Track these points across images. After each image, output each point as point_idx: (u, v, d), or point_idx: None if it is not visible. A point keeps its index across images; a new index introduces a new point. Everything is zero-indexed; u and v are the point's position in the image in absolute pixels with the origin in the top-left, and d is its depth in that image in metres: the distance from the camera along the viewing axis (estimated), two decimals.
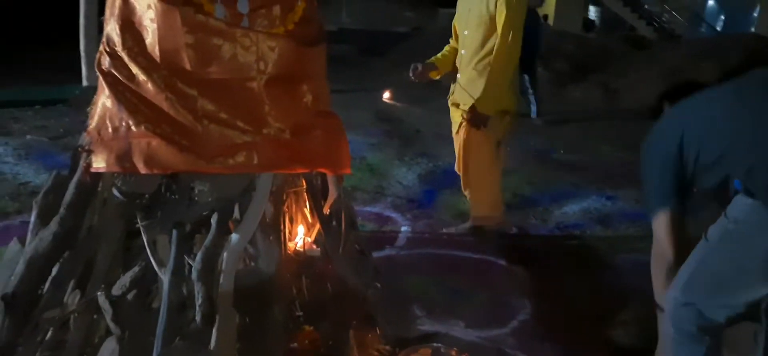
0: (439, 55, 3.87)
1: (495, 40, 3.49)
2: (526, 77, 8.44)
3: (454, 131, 3.87)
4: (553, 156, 6.71)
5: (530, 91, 8.66)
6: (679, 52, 11.27)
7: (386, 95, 4.05)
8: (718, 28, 20.88)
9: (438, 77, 3.85)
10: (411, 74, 3.72)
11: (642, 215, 4.35)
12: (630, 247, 4.00)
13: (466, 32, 3.65)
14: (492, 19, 3.49)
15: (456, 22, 3.84)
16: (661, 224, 2.16)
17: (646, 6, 19.86)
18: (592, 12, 21.19)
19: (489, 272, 3.60)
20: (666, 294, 2.18)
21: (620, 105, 9.93)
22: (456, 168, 4.00)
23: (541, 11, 9.00)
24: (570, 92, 10.87)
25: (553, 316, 3.07)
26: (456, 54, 3.82)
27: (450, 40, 3.91)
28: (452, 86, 3.85)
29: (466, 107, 3.64)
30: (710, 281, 2.05)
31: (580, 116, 9.23)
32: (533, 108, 8.72)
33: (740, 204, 2.01)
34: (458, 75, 3.76)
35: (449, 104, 3.87)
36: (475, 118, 3.60)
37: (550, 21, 21.32)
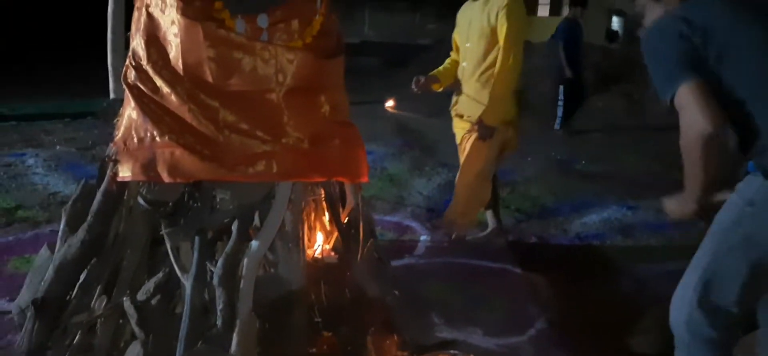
0: (440, 68, 3.90)
1: (497, 53, 3.51)
2: (561, 88, 8.44)
3: (458, 141, 3.89)
4: (575, 166, 6.69)
5: (560, 101, 8.62)
6: None
7: (389, 104, 4.04)
8: None
9: (440, 89, 3.87)
10: (413, 86, 3.74)
11: (664, 226, 4.33)
12: (651, 257, 3.98)
13: (467, 44, 3.66)
14: (493, 32, 3.51)
15: (456, 35, 3.86)
16: (686, 95, 1.84)
17: None
18: (616, 23, 21.04)
19: (508, 280, 3.61)
20: (676, 297, 2.05)
21: (643, 116, 9.85)
22: None
23: (558, 23, 8.99)
24: (593, 102, 10.81)
25: (571, 324, 3.07)
26: (457, 66, 3.84)
27: (451, 53, 3.94)
28: (455, 98, 3.87)
29: (472, 119, 3.66)
30: (731, 271, 1.91)
31: (603, 126, 9.18)
32: (558, 120, 8.69)
33: (756, 184, 1.85)
34: (462, 87, 3.77)
35: (453, 115, 3.88)
36: (483, 130, 3.62)
37: None
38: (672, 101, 1.89)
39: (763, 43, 1.91)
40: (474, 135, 3.67)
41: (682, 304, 2.02)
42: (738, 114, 1.86)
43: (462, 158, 3.83)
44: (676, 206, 2.07)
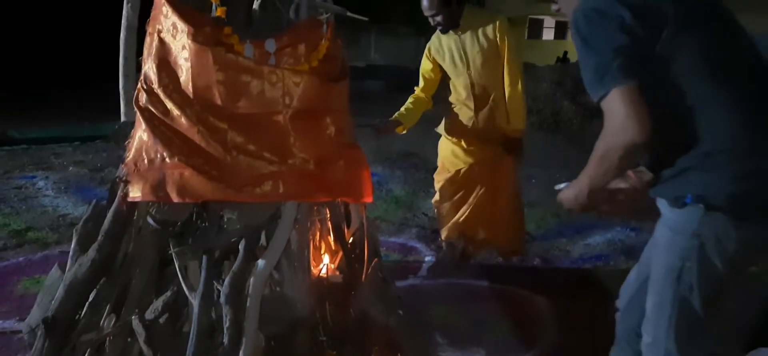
0: (402, 110, 3.73)
1: (504, 67, 3.56)
2: None
3: (461, 167, 3.82)
4: None
5: None
6: None
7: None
8: None
9: (403, 132, 3.76)
10: (374, 131, 3.64)
11: None
12: None
13: (470, 72, 3.62)
14: (495, 48, 3.54)
15: (431, 70, 3.78)
16: (619, 99, 1.65)
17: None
18: None
19: (512, 302, 3.63)
20: (647, 341, 1.89)
21: None
22: (442, 203, 3.97)
23: (564, 47, 9.08)
24: (597, 125, 10.81)
25: (574, 346, 3.08)
26: (424, 104, 3.78)
27: (415, 88, 3.84)
28: (448, 125, 3.85)
29: (499, 138, 3.68)
30: (699, 314, 1.76)
31: None
32: None
33: (698, 216, 1.71)
34: (473, 114, 3.72)
35: (464, 146, 3.80)
36: (513, 145, 3.66)
37: (570, 57, 21.37)
38: (601, 98, 1.71)
39: (717, 39, 1.76)
40: (505, 156, 3.69)
41: (658, 351, 1.87)
42: (670, 120, 1.71)
43: (480, 187, 3.79)
44: (572, 197, 1.91)
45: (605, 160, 1.74)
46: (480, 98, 3.69)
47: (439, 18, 3.55)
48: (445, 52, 3.71)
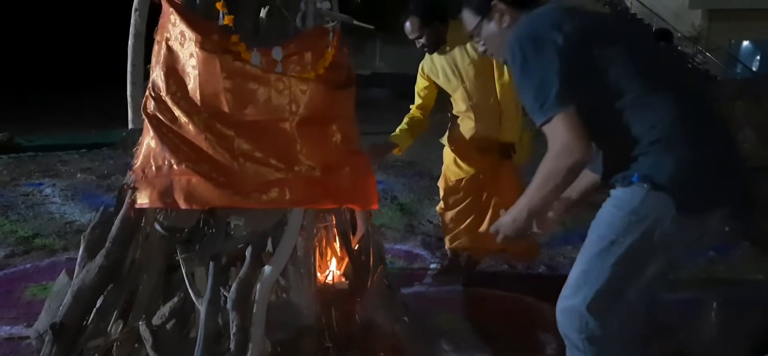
0: (398, 130, 3.64)
1: (497, 76, 3.53)
2: None
3: (462, 177, 3.79)
4: None
5: None
6: (715, 94, 11.17)
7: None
8: (754, 69, 20.59)
9: (400, 153, 3.72)
10: (369, 154, 3.47)
11: None
12: None
13: (465, 85, 3.59)
14: (485, 57, 3.52)
15: (426, 89, 3.75)
16: (561, 123, 1.79)
17: (679, 47, 19.77)
18: None
19: (517, 309, 3.62)
20: (565, 309, 1.97)
21: None
22: (446, 212, 3.95)
23: None
24: None
25: None
26: (420, 124, 3.73)
27: (411, 107, 3.78)
28: (450, 135, 3.82)
29: (495, 145, 3.67)
30: (621, 283, 1.85)
31: None
32: None
33: (641, 195, 1.80)
34: (474, 124, 3.68)
35: (466, 155, 3.76)
36: (507, 150, 3.66)
37: None
38: (545, 123, 1.83)
39: (635, 49, 1.91)
40: (505, 162, 3.69)
41: (572, 316, 1.95)
42: (613, 125, 1.84)
43: (485, 195, 3.77)
44: (510, 222, 2.02)
45: (549, 181, 1.88)
46: (479, 107, 3.68)
47: (422, 40, 3.52)
48: (438, 71, 3.68)
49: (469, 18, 2.17)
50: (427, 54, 3.71)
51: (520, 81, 1.90)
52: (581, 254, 1.96)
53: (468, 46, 3.51)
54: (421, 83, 3.80)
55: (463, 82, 3.61)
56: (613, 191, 1.92)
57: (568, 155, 1.81)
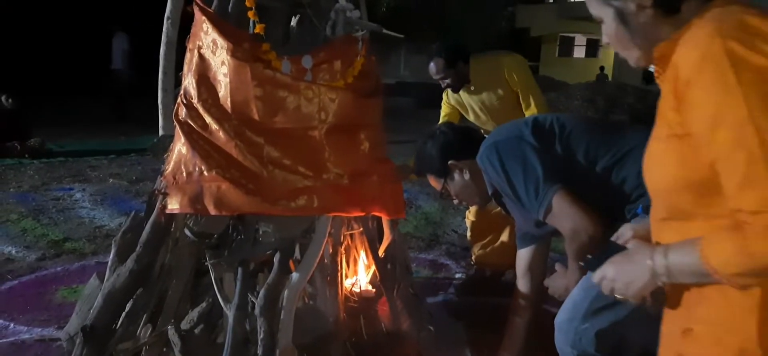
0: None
1: (524, 107, 3.55)
2: None
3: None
4: None
5: None
6: None
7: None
8: None
9: (417, 178, 3.76)
10: None
11: None
12: None
13: (494, 119, 3.60)
14: (510, 90, 3.52)
15: (450, 116, 3.80)
16: (560, 203, 1.99)
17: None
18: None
19: (542, 320, 3.58)
20: (561, 318, 2.08)
21: None
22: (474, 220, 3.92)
23: (599, 62, 9.01)
24: None
25: None
26: None
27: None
28: None
29: None
30: (621, 305, 1.84)
31: None
32: None
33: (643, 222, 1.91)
34: None
35: None
36: None
37: (608, 72, 21.16)
38: (546, 212, 2.01)
39: (593, 129, 2.15)
40: None
41: (567, 332, 2.04)
42: (604, 184, 2.01)
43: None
44: (561, 283, 2.18)
45: (579, 254, 2.00)
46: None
47: (447, 81, 3.55)
48: (466, 107, 3.74)
49: (434, 182, 2.45)
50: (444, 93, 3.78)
51: (512, 198, 2.11)
52: (586, 275, 1.99)
53: (490, 79, 3.54)
54: (445, 109, 3.85)
55: (492, 118, 3.63)
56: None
57: (581, 232, 1.96)
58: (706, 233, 1.09)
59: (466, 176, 2.36)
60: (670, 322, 1.30)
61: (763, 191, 0.98)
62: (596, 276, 1.33)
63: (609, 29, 1.22)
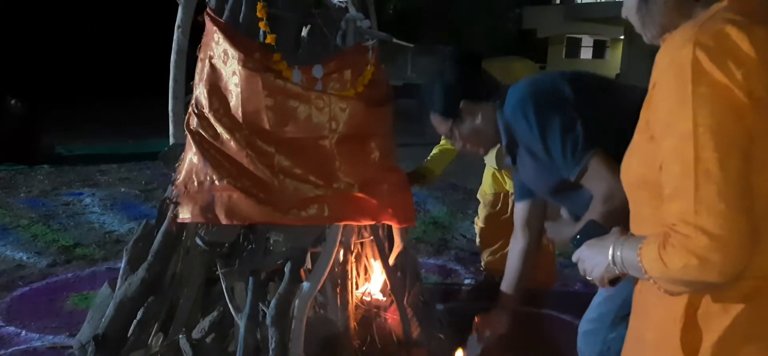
0: (429, 159, 3.42)
1: None
2: None
3: (499, 191, 3.77)
4: None
5: None
6: None
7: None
8: None
9: (427, 185, 3.57)
10: None
11: None
12: None
13: None
14: None
15: None
16: (600, 164, 1.78)
17: None
18: None
19: (553, 326, 3.58)
20: (587, 328, 2.01)
21: None
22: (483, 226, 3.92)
23: (606, 63, 8.96)
24: None
25: None
26: (451, 153, 3.48)
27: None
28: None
29: None
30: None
31: None
32: None
33: None
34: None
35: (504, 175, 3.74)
36: None
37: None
38: (581, 174, 1.81)
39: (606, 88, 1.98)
40: None
41: (594, 339, 1.98)
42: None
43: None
44: (566, 232, 1.97)
45: (610, 220, 1.80)
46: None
47: None
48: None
49: (438, 122, 2.16)
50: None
51: (541, 145, 1.87)
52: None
53: None
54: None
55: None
56: None
57: (612, 201, 1.74)
58: (652, 233, 1.11)
59: (478, 120, 2.08)
60: (633, 321, 1.36)
61: (686, 206, 1.00)
62: (575, 256, 1.35)
63: (629, 2, 1.23)
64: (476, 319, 2.37)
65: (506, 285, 2.39)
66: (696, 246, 0.98)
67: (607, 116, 1.85)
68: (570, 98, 1.85)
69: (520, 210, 2.28)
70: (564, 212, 2.02)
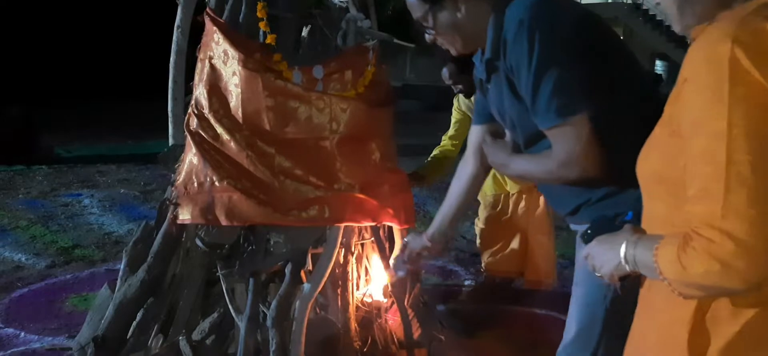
0: (426, 163, 3.39)
1: None
2: None
3: (499, 192, 3.73)
4: None
5: None
6: None
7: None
8: None
9: (427, 185, 3.59)
10: None
11: None
12: None
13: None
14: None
15: (460, 124, 3.54)
16: (580, 128, 1.53)
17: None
18: (659, 66, 20.87)
19: (552, 326, 3.57)
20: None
21: None
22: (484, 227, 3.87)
23: None
24: None
25: None
26: (451, 155, 3.47)
27: (443, 137, 3.56)
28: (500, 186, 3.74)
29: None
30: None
31: None
32: None
33: None
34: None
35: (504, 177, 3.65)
36: None
37: None
38: (551, 127, 1.57)
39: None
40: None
41: None
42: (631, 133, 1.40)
43: (521, 215, 3.76)
44: (500, 157, 1.86)
45: (553, 177, 1.68)
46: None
47: (459, 86, 3.48)
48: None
49: (415, 5, 1.76)
50: None
51: (528, 76, 1.57)
52: (581, 308, 1.83)
53: None
54: (456, 115, 3.70)
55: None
56: None
57: (569, 170, 1.57)
58: (669, 234, 1.07)
59: (460, 13, 1.71)
60: (638, 321, 1.31)
61: (712, 208, 0.96)
62: (584, 251, 1.31)
63: None
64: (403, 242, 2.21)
65: (445, 208, 2.17)
66: (720, 252, 0.95)
67: (608, 78, 1.61)
68: (588, 50, 1.58)
69: (474, 133, 2.04)
70: (508, 137, 1.86)
